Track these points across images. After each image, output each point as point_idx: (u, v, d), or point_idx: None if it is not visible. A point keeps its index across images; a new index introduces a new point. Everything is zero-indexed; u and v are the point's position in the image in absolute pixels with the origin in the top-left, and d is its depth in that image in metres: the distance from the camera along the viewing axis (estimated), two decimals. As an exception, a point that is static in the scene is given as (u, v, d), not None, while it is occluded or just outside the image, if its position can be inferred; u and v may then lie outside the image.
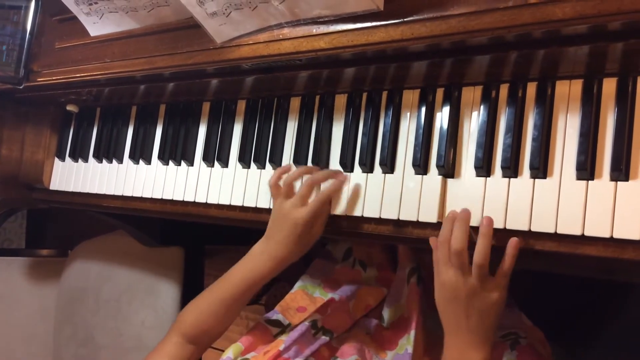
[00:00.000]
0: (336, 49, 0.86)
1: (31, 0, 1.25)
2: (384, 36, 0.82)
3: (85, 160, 1.45)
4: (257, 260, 1.01)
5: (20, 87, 1.28)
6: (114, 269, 1.93)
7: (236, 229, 1.21)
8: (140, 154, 1.34)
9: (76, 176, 1.46)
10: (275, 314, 1.13)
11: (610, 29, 0.71)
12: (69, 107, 1.40)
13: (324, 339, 1.07)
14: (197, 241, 1.91)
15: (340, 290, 1.20)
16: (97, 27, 1.12)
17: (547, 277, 1.44)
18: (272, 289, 1.98)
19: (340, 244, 1.31)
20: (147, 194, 1.31)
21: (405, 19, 0.80)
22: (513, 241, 0.83)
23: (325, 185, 1.01)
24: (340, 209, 1.01)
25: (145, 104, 1.35)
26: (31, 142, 1.52)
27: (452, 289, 0.84)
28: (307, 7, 0.83)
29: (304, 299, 1.18)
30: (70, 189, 1.47)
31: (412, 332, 1.08)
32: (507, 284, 0.85)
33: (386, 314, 1.18)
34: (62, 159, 1.50)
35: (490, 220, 0.84)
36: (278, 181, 1.04)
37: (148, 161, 1.33)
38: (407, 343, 1.07)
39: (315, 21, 0.86)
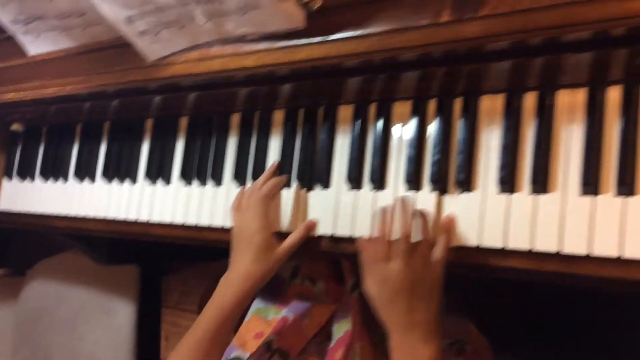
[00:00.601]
0: (262, 67, 0.87)
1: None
2: (308, 54, 0.82)
3: (32, 179, 1.43)
4: (225, 286, 0.96)
5: (-39, 108, 1.26)
6: (70, 288, 1.91)
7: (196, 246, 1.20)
8: (85, 172, 1.33)
9: (23, 196, 1.44)
10: (234, 351, 1.11)
11: (528, 44, 0.73)
12: (14, 127, 1.38)
13: None
14: (153, 259, 1.89)
15: (292, 307, 1.19)
16: (34, 46, 1.11)
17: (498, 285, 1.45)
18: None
19: (286, 263, 1.30)
20: (91, 213, 1.29)
21: (328, 38, 0.80)
22: (449, 220, 0.84)
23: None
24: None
25: (90, 121, 1.34)
26: (-22, 162, 1.50)
27: (399, 281, 0.79)
28: (233, 25, 0.84)
29: (260, 324, 1.16)
30: (18, 209, 1.44)
31: (358, 345, 1.08)
32: (445, 261, 0.82)
33: (334, 329, 1.18)
34: (10, 178, 1.48)
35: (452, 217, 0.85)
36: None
37: (92, 179, 1.32)
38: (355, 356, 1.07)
39: (243, 40, 0.87)
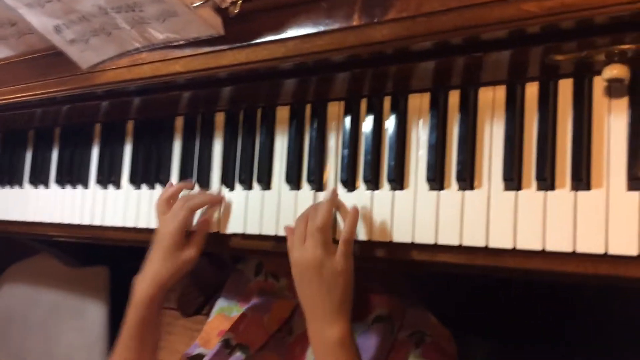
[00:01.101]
0: (191, 72, 0.87)
1: None
2: (232, 59, 0.83)
3: (-10, 186, 1.43)
4: (136, 288, 1.00)
5: None
6: (41, 291, 1.91)
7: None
8: (39, 177, 1.33)
9: (-19, 203, 1.44)
10: (196, 348, 1.12)
11: (443, 45, 0.73)
12: (-34, 135, 1.38)
13: (239, 356, 1.06)
14: (122, 259, 1.89)
15: (253, 303, 1.20)
16: (-26, 55, 1.11)
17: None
18: (212, 300, 1.98)
19: (250, 261, 1.31)
20: (46, 219, 1.29)
21: (249, 42, 0.80)
22: (354, 209, 0.86)
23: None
24: (228, 227, 1.03)
25: (42, 127, 1.34)
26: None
27: (309, 261, 0.83)
28: (155, 31, 0.83)
29: (223, 322, 1.17)
30: (-24, 216, 1.44)
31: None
32: (350, 251, 0.85)
33: (295, 324, 1.19)
34: (-32, 185, 1.48)
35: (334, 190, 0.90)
36: (163, 201, 1.04)
37: (46, 185, 1.32)
38: (312, 354, 1.08)
39: (169, 45, 0.87)
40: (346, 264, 0.83)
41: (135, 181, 1.16)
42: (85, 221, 1.23)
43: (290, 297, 1.24)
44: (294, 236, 0.87)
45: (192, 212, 1.00)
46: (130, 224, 1.15)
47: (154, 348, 1.01)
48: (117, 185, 1.20)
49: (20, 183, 1.37)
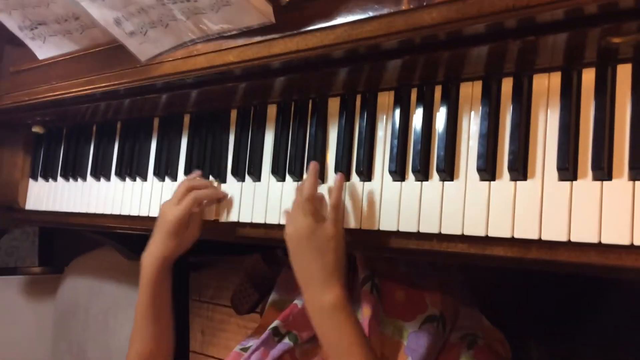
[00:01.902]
0: (244, 61, 0.88)
1: (-12, 28, 1.30)
2: (283, 48, 0.83)
3: (55, 179, 1.49)
4: (143, 264, 1.07)
5: (-18, 113, 1.33)
6: (102, 283, 1.97)
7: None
8: (101, 171, 1.37)
9: (47, 195, 1.51)
10: (250, 341, 1.13)
11: (503, 29, 0.72)
12: (34, 129, 1.45)
13: (287, 343, 1.07)
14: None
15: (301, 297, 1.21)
16: (43, 50, 1.16)
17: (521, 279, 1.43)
18: (266, 297, 2.00)
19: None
20: (107, 211, 1.34)
21: (299, 30, 0.81)
22: (339, 175, 0.93)
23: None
24: (228, 215, 1.09)
25: (104, 121, 1.39)
26: (7, 164, 1.57)
27: (308, 233, 0.86)
28: (210, 22, 0.85)
29: (275, 315, 1.18)
30: (42, 208, 1.51)
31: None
32: (339, 217, 0.90)
33: None
34: (35, 179, 1.55)
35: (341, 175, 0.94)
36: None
37: (107, 178, 1.37)
38: None
39: (223, 36, 0.88)
40: (336, 228, 0.87)
41: (190, 173, 1.19)
42: (143, 213, 1.26)
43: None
44: (289, 216, 0.92)
45: (197, 202, 1.05)
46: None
47: (169, 325, 1.08)
48: (174, 177, 1.23)
49: (83, 176, 1.42)
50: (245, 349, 1.10)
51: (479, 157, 0.80)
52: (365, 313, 1.13)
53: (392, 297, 1.13)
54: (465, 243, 0.83)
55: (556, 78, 0.76)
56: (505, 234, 0.78)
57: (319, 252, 0.85)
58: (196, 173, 1.13)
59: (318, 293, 0.85)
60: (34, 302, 2.20)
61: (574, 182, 0.74)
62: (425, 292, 1.14)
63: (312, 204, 0.88)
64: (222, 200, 1.11)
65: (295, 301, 1.18)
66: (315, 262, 0.85)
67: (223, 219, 1.10)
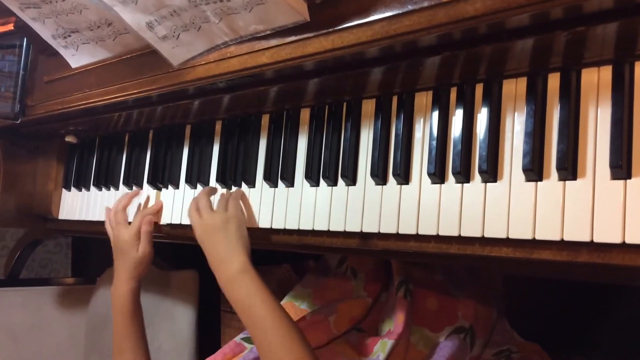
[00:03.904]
0: (277, 62, 0.86)
1: (23, 38, 1.31)
2: (318, 47, 0.81)
3: (88, 189, 1.50)
4: (114, 294, 1.24)
5: (18, 122, 1.33)
6: (134, 294, 1.96)
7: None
8: (133, 179, 1.37)
9: (80, 205, 1.51)
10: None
11: (549, 19, 0.68)
12: (68, 139, 1.45)
13: None
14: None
15: (321, 307, 1.19)
16: (75, 58, 1.16)
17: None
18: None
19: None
20: (139, 219, 1.33)
21: (334, 28, 0.79)
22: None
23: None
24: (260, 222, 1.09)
25: (136, 130, 1.39)
26: (42, 174, 1.59)
27: (213, 222, 1.01)
28: (244, 23, 0.84)
29: (290, 312, 1.17)
30: (75, 217, 1.51)
31: (387, 340, 1.05)
32: (235, 203, 1.06)
33: (382, 325, 1.16)
34: (68, 189, 1.55)
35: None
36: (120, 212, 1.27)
37: (140, 186, 1.36)
38: (380, 349, 1.05)
39: (256, 37, 0.87)
40: (231, 212, 1.03)
41: (222, 180, 1.17)
42: (175, 220, 1.25)
43: (364, 296, 1.21)
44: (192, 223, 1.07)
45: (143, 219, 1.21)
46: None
47: (145, 346, 1.21)
48: (206, 184, 1.21)
49: (116, 185, 1.42)
50: (246, 339, 1.09)
51: (525, 156, 0.77)
52: (399, 319, 1.10)
53: (423, 305, 1.11)
54: (510, 247, 0.79)
55: (607, 72, 0.72)
56: (554, 236, 0.74)
57: (223, 234, 0.98)
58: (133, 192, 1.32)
59: (226, 266, 0.95)
60: (67, 314, 2.20)
61: (627, 180, 0.70)
62: (459, 302, 1.11)
63: (197, 203, 1.06)
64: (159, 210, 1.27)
65: (311, 310, 1.16)
66: (220, 243, 0.98)
67: (254, 224, 1.09)
